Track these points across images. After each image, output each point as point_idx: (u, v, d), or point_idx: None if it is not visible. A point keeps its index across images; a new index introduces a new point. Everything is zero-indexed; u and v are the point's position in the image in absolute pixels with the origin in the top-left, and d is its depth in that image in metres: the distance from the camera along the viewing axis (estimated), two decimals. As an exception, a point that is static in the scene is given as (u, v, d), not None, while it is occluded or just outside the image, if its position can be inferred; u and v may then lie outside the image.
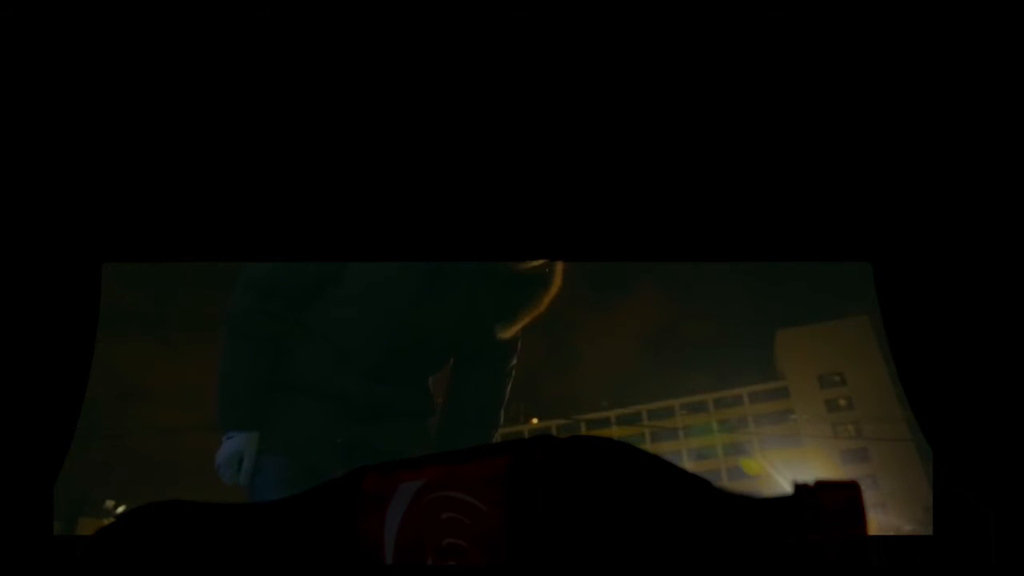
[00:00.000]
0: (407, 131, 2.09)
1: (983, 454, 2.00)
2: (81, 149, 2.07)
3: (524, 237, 2.17)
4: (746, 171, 2.12)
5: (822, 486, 1.86)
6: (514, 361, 2.71)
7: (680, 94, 2.09)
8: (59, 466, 2.05)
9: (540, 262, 2.52)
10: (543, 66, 2.04)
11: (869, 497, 1.84)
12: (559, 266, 2.64)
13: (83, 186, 2.07)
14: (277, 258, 2.38)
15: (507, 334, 2.64)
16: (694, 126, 2.11)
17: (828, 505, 1.81)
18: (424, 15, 1.99)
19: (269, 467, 2.48)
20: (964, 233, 2.04)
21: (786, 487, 1.94)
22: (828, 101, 2.07)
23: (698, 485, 1.91)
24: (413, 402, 2.66)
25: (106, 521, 2.39)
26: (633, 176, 2.12)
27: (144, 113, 2.07)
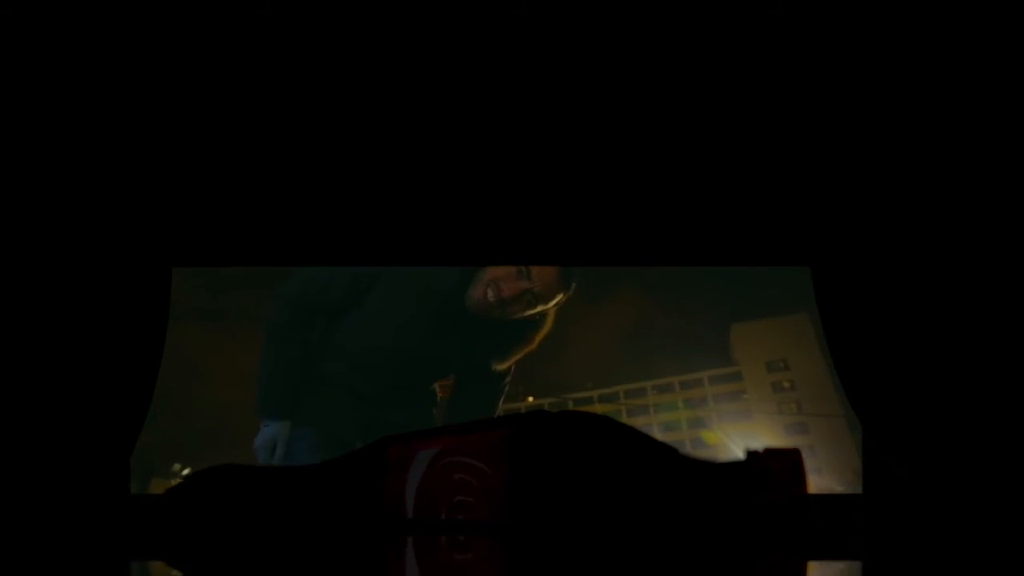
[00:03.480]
0: (431, 145, 2.06)
1: (903, 427, 2.00)
2: (152, 161, 2.04)
3: (525, 240, 2.17)
4: (697, 186, 2.10)
5: (770, 453, 1.86)
6: (508, 379, 2.68)
7: (635, 112, 2.05)
8: (135, 437, 2.05)
9: (536, 309, 2.48)
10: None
11: (808, 463, 1.84)
12: (552, 312, 2.58)
13: (155, 196, 2.05)
14: (334, 263, 2.33)
15: (502, 367, 2.61)
16: (651, 145, 2.07)
17: (775, 468, 1.81)
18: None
19: (302, 437, 2.50)
20: (892, 242, 2.04)
21: (739, 454, 1.94)
22: (770, 122, 2.05)
23: (667, 452, 1.91)
24: (418, 398, 2.66)
25: (174, 482, 2.39)
26: (601, 191, 2.10)
27: (216, 124, 2.04)
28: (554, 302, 2.50)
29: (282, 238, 2.12)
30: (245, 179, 2.08)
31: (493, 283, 2.42)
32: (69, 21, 1.92)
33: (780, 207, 2.09)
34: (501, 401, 2.68)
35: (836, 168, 2.05)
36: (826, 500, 2.18)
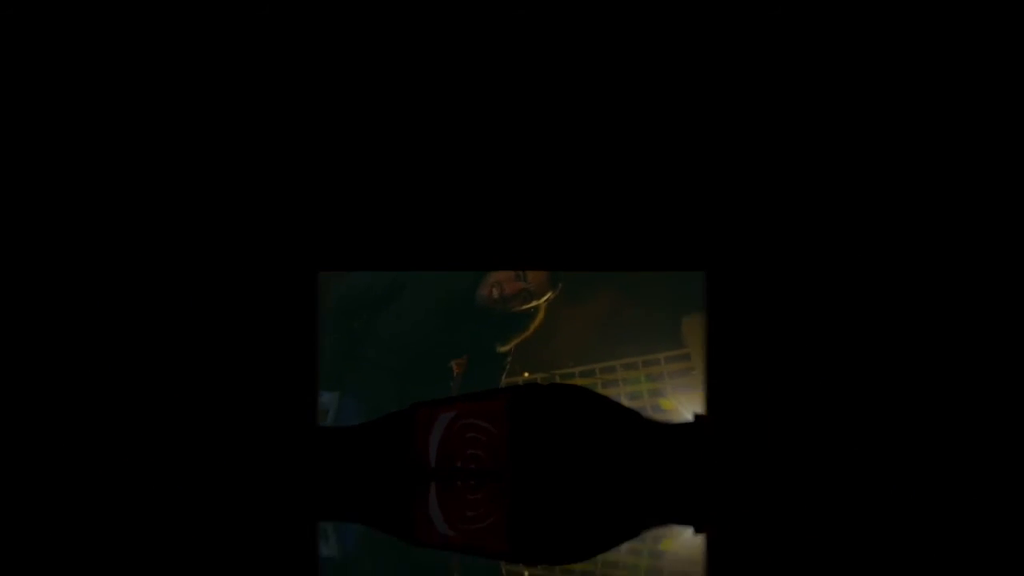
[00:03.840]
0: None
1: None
2: (298, 172, 1.85)
3: (523, 249, 2.12)
4: (604, 199, 1.93)
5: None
6: (509, 359, 2.71)
7: (588, 136, 1.89)
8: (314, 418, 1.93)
9: (530, 304, 2.51)
10: None
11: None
12: (543, 306, 2.62)
13: (300, 203, 1.86)
14: (479, 268, 2.21)
15: (504, 350, 2.65)
16: (564, 154, 1.90)
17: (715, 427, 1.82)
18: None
19: (349, 404, 2.53)
20: (780, 249, 1.89)
21: (689, 417, 1.95)
22: (672, 136, 1.86)
23: (631, 415, 1.93)
24: (438, 374, 2.69)
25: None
26: (581, 210, 1.98)
27: (357, 132, 1.85)
28: (544, 299, 2.53)
29: (439, 238, 1.91)
30: (398, 169, 1.86)
31: (497, 284, 2.46)
32: (218, 44, 1.75)
33: (679, 215, 1.92)
34: (504, 376, 2.71)
35: (731, 185, 1.89)
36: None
